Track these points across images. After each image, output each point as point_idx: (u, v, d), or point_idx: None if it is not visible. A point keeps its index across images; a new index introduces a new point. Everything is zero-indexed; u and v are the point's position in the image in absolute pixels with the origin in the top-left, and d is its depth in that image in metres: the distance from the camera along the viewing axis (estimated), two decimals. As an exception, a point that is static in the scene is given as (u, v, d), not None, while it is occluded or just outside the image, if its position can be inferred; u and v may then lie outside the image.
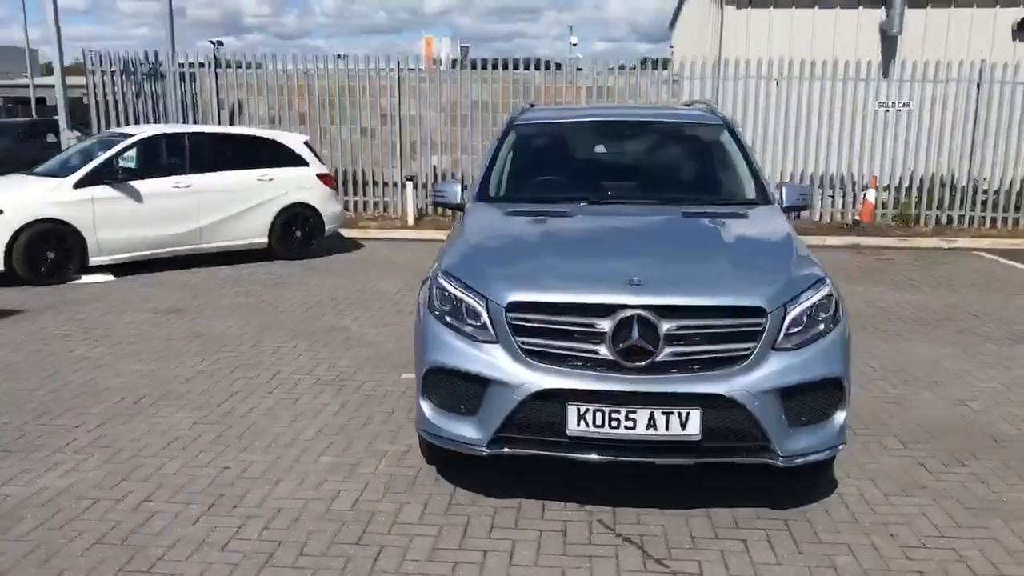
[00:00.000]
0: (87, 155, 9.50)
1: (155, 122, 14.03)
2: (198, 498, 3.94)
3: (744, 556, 3.46)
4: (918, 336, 6.96)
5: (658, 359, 3.50)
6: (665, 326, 3.49)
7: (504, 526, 3.69)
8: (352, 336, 6.83)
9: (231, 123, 14.28)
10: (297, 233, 10.49)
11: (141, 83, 13.80)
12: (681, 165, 5.29)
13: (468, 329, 3.72)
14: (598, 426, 3.52)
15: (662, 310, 3.51)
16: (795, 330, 3.65)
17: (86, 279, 8.98)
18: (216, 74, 13.93)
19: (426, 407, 3.85)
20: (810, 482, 4.10)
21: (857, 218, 13.23)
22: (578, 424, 3.53)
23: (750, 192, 4.84)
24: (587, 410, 3.51)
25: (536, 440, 3.62)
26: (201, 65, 14.06)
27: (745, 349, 3.54)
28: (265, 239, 10.26)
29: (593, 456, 3.57)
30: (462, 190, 5.02)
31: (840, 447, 3.78)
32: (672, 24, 23.99)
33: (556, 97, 13.86)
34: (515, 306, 3.62)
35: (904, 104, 13.22)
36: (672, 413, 3.49)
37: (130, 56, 13.79)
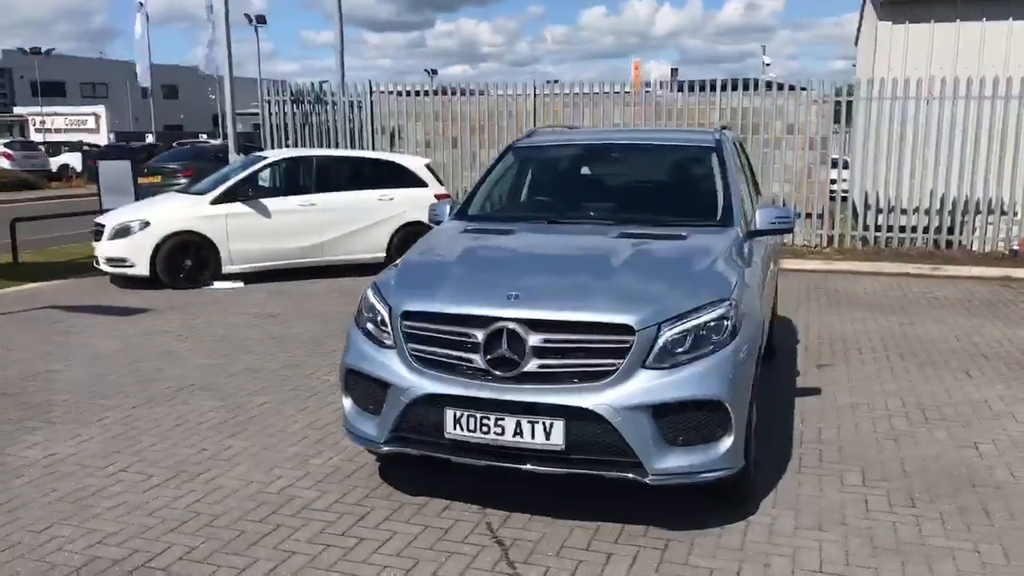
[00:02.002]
0: (230, 175, 10.69)
1: (321, 146, 15.36)
2: (162, 472, 4.51)
3: (596, 569, 3.52)
4: (987, 375, 6.40)
5: (525, 369, 3.65)
6: (532, 339, 3.64)
7: (397, 519, 3.96)
8: (405, 345, 7.28)
9: (391, 147, 15.33)
10: (414, 249, 11.15)
11: (308, 111, 15.20)
12: (655, 187, 5.32)
13: (381, 336, 4.04)
14: (471, 431, 3.72)
15: (532, 323, 3.66)
16: (678, 349, 3.66)
17: (218, 285, 10.10)
18: (371, 103, 15.04)
19: (347, 405, 4.21)
20: (727, 506, 4.03)
21: (1016, 247, 12.07)
22: (454, 428, 3.75)
23: (715, 215, 4.78)
24: (461, 415, 3.72)
25: (422, 441, 3.87)
26: (382, 92, 15.16)
27: (611, 365, 3.61)
28: (383, 254, 11.00)
29: (469, 460, 3.77)
30: (451, 210, 5.34)
31: (727, 471, 3.72)
32: (856, 41, 22.83)
33: (694, 118, 13.72)
34: (408, 315, 3.91)
35: (1080, 123, 11.93)
36: (537, 422, 3.63)
37: (300, 87, 15.24)
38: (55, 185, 28.97)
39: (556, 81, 15.43)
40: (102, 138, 51.06)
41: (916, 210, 12.64)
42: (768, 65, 36.35)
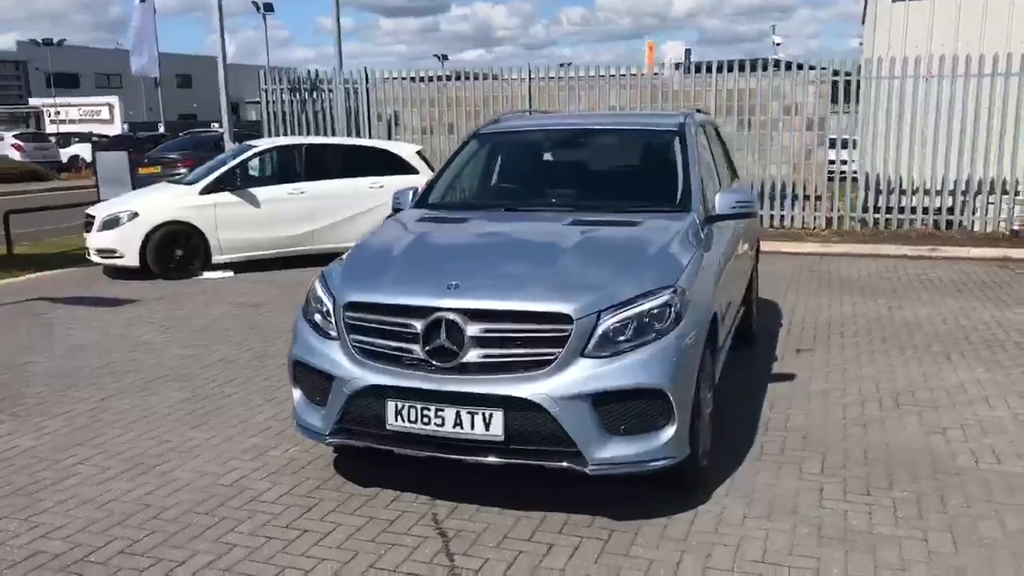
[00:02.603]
0: (219, 165, 10.68)
1: (319, 134, 15.33)
2: (120, 464, 4.52)
3: (534, 560, 3.49)
4: (968, 358, 6.30)
5: (464, 360, 3.61)
6: (471, 329, 3.60)
7: (343, 511, 3.94)
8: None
9: (389, 134, 15.28)
10: (406, 237, 11.13)
11: (305, 99, 15.18)
12: (616, 173, 5.26)
13: (327, 328, 4.01)
14: (412, 422, 3.69)
15: (471, 313, 3.62)
16: (619, 337, 3.61)
17: (208, 275, 10.12)
18: (367, 90, 14.98)
19: (296, 396, 4.19)
20: (678, 495, 3.98)
21: (1017, 228, 11.88)
22: (395, 419, 3.72)
23: (673, 200, 4.70)
24: (403, 406, 3.70)
25: (366, 432, 3.85)
26: (378, 79, 15.10)
27: (550, 354, 3.56)
28: (375, 242, 10.98)
29: (411, 451, 3.75)
30: (413, 197, 5.29)
31: (670, 460, 3.67)
32: (863, 19, 22.48)
33: (693, 100, 13.54)
34: (351, 306, 3.88)
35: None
36: (476, 413, 3.59)
37: (297, 75, 15.23)
38: (64, 176, 29.18)
39: (569, 64, 15.26)
40: (116, 128, 51.29)
41: (916, 191, 12.47)
42: (778, 45, 35.92)
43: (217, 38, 15.00)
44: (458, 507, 3.95)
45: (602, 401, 3.56)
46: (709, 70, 13.39)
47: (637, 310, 3.65)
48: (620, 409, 3.59)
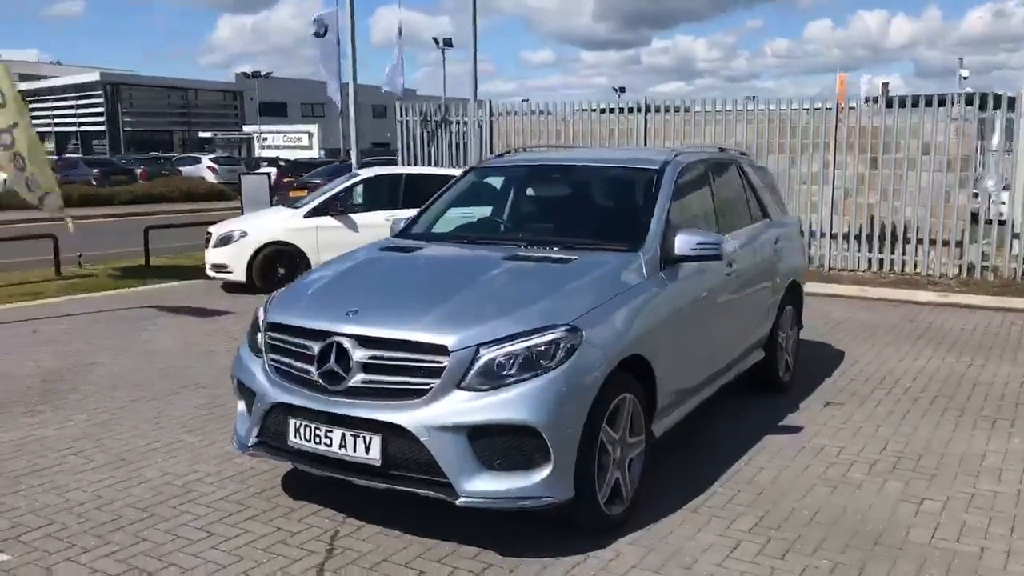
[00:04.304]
0: (326, 191, 11.39)
1: (449, 164, 15.92)
2: (104, 458, 4.99)
3: (394, 584, 3.56)
4: (1017, 427, 5.69)
5: (351, 384, 3.76)
6: (358, 354, 3.75)
7: (259, 520, 4.17)
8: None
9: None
10: (499, 265, 11.38)
11: (435, 130, 15.84)
12: (584, 209, 5.20)
13: (259, 346, 4.29)
14: (306, 440, 3.88)
15: (360, 339, 3.77)
16: (503, 372, 3.64)
17: (307, 293, 10.78)
18: (491, 123, 15.42)
19: (239, 408, 4.48)
20: (579, 538, 3.92)
21: None
22: (295, 437, 3.92)
23: (627, 239, 4.60)
24: (300, 424, 3.90)
25: (278, 448, 4.07)
26: (502, 114, 15.61)
27: (427, 383, 3.64)
28: (467, 269, 11.30)
29: (309, 468, 3.94)
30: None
31: (547, 499, 3.63)
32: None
33: (817, 137, 12.96)
34: (271, 326, 4.13)
35: None
36: (358, 436, 3.73)
37: (427, 107, 15.95)
38: (248, 197, 31.85)
39: (754, 98, 15.05)
40: (314, 153, 55.26)
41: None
42: (965, 78, 33.45)
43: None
44: (363, 527, 4.08)
45: (477, 434, 3.59)
46: (903, 105, 12.64)
47: (523, 345, 3.66)
48: (495, 443, 3.60)
